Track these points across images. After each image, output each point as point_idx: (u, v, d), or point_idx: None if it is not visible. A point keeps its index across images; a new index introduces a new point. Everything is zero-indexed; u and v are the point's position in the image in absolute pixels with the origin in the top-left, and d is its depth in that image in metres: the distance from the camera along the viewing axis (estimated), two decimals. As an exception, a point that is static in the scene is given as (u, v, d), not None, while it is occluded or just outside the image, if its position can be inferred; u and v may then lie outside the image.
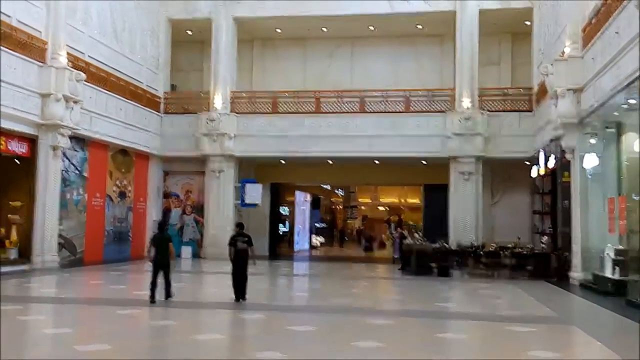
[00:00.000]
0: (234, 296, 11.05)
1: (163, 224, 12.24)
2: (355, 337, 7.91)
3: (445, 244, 18.83)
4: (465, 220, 21.14)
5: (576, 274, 15.13)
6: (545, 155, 18.79)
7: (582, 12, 14.96)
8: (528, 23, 21.66)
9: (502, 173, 22.62)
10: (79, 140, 18.41)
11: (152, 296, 10.71)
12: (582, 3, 14.95)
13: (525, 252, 17.64)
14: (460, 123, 21.14)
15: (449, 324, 9.90)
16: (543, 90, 18.05)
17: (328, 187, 37.75)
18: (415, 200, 37.66)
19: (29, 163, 16.66)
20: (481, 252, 18.16)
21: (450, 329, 9.43)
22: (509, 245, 18.15)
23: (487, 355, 7.39)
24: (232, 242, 11.26)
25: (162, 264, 10.99)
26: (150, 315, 10.19)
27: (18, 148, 16.26)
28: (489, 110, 21.54)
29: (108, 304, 11.10)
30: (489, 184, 22.52)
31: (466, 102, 21.38)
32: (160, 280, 10.96)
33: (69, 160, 18.16)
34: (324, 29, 24.44)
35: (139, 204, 22.48)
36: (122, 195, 21.39)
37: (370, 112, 22.53)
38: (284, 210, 29.32)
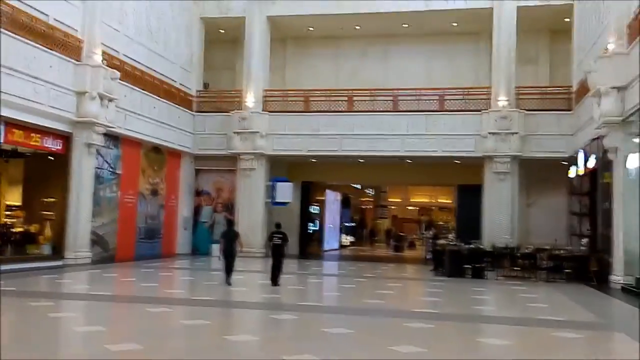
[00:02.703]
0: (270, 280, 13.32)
1: (231, 222, 14.63)
2: (394, 341, 7.63)
3: (480, 245, 18.41)
4: (500, 221, 20.64)
5: (617, 277, 14.64)
6: (585, 155, 18.24)
7: (628, 8, 14.43)
8: (568, 20, 21.08)
9: (538, 173, 21.97)
10: (112, 137, 18.47)
11: (227, 280, 13.27)
12: (628, -3, 14.43)
13: (563, 254, 17.13)
14: (496, 122, 20.68)
15: (490, 328, 9.55)
16: (583, 89, 17.51)
17: (359, 186, 37.41)
18: (446, 200, 37.14)
19: (63, 160, 16.75)
20: (517, 254, 17.70)
21: (493, 334, 9.04)
22: (546, 247, 17.66)
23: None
24: (270, 237, 13.76)
25: (230, 254, 13.44)
26: (182, 314, 10.07)
27: (53, 145, 16.38)
28: (526, 110, 21.02)
29: (139, 301, 11.04)
30: (524, 184, 21.94)
31: (502, 101, 20.87)
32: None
33: (103, 158, 18.24)
34: (357, 27, 24.18)
35: (171, 202, 22.53)
36: (154, 192, 21.44)
37: (404, 111, 22.16)
38: (314, 209, 29.11)
